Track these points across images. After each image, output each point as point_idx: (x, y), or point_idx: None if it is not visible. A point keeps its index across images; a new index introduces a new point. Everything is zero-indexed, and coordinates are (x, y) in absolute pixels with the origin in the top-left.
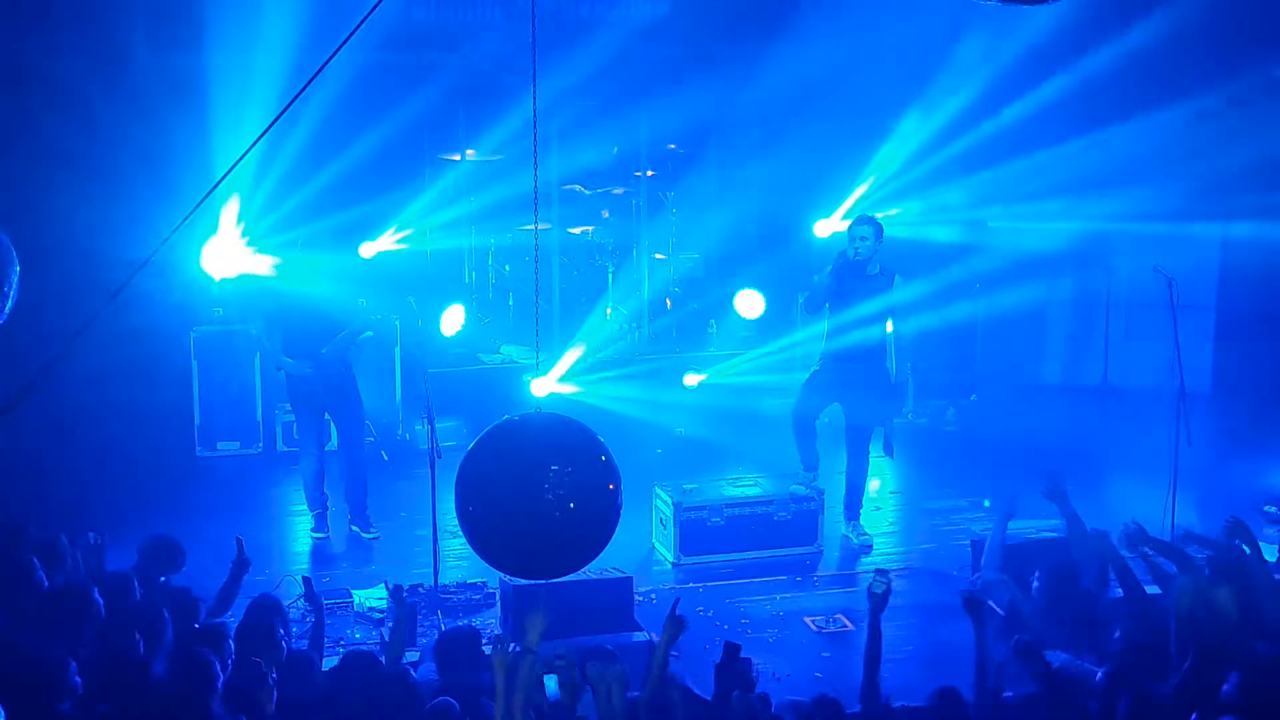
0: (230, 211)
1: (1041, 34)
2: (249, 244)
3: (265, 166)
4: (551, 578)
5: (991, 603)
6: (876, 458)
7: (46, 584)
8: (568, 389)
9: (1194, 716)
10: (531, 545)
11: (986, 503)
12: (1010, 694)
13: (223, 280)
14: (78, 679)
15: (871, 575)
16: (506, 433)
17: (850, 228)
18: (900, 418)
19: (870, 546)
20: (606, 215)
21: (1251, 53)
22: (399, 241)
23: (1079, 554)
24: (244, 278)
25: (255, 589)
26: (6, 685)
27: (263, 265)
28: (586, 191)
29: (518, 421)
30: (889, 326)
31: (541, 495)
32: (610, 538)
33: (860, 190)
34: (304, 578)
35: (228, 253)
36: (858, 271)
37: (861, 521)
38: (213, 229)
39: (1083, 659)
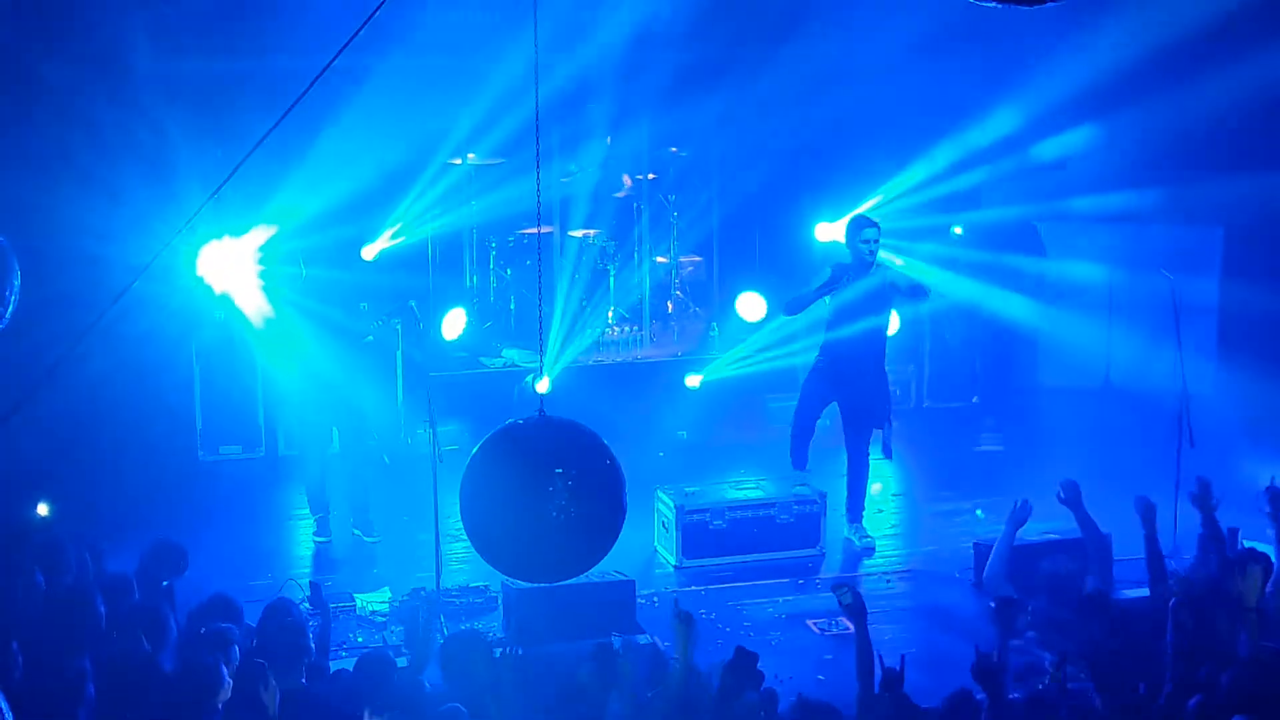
0: (256, 238)
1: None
2: (258, 261)
3: (272, 182)
4: (557, 581)
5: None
6: (877, 459)
7: (45, 588)
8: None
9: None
10: (536, 548)
11: (979, 513)
12: (1017, 695)
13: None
14: (91, 687)
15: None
16: (512, 436)
17: (856, 230)
18: (899, 419)
19: (873, 549)
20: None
21: None
22: (395, 236)
23: (1093, 557)
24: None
25: (258, 593)
26: (24, 697)
27: (257, 283)
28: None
29: (523, 425)
30: (891, 329)
31: (546, 499)
32: (615, 540)
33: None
34: (311, 582)
35: (227, 265)
36: (861, 272)
37: (864, 524)
38: (213, 234)
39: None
